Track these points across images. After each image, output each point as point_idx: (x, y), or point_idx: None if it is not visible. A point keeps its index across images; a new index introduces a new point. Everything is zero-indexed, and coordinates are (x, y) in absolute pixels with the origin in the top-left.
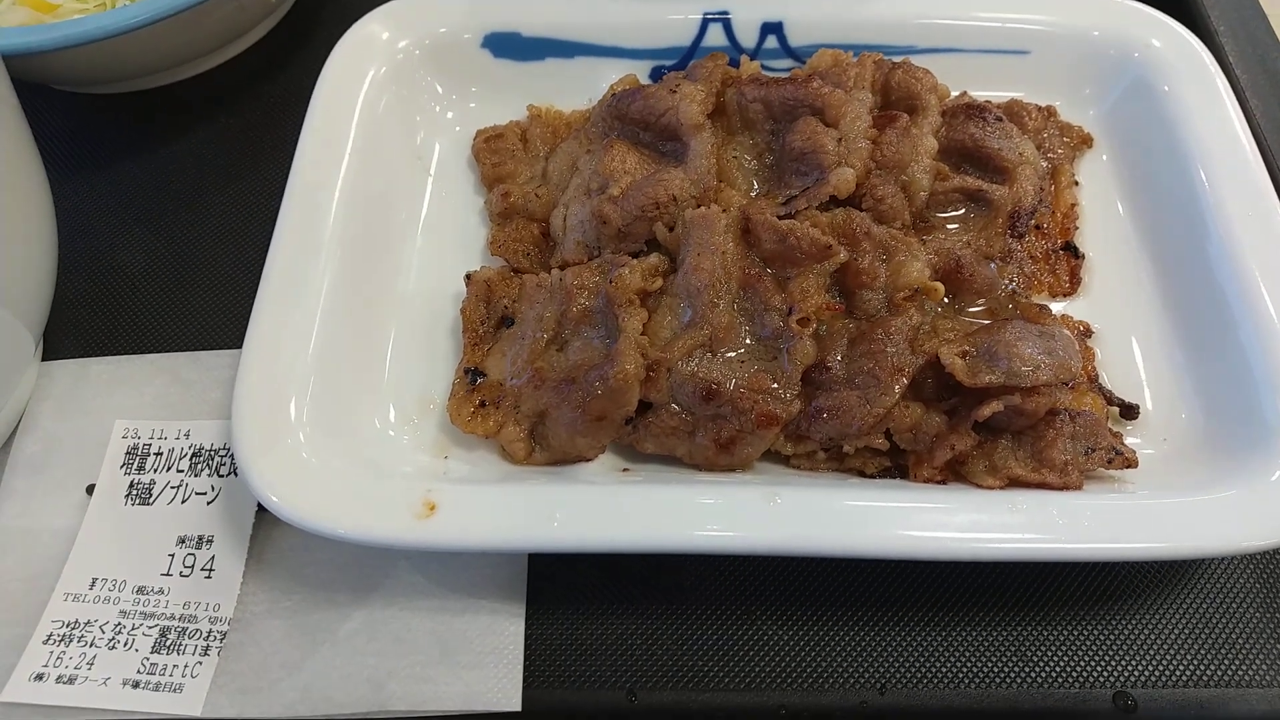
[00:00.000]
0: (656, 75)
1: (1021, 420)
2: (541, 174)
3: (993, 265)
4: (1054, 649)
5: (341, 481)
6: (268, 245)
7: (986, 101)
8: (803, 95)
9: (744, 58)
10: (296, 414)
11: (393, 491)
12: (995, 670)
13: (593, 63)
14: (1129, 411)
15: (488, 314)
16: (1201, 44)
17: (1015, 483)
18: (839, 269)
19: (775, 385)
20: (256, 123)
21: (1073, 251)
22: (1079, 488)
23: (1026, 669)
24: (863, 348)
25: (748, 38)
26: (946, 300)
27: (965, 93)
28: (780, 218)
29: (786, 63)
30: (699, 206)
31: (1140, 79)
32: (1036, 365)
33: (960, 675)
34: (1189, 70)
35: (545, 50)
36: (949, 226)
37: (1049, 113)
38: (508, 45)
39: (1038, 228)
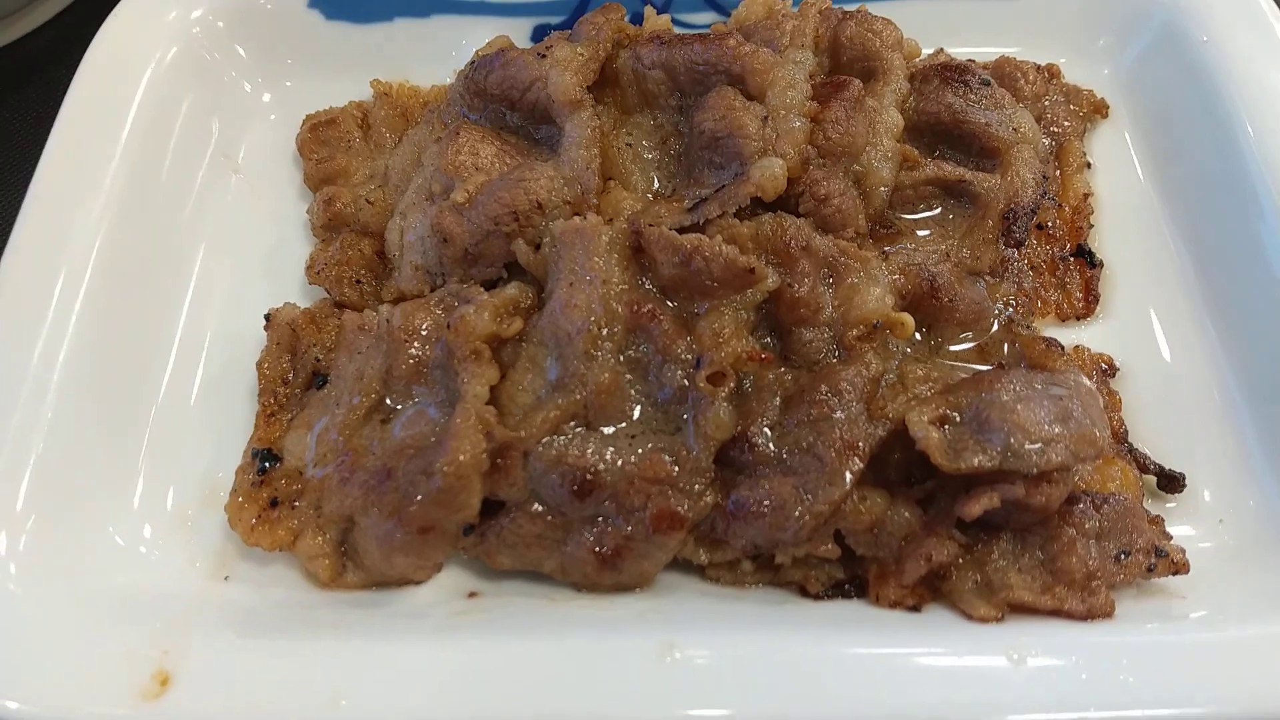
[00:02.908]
0: (539, 36)
1: (1027, 516)
2: (384, 172)
3: (981, 284)
4: None
5: (54, 643)
6: None
7: (969, 61)
8: (716, 57)
9: (649, 9)
10: (2, 540)
11: (116, 655)
12: None
13: (456, 22)
14: (1171, 483)
15: (293, 369)
16: None
17: (1020, 609)
18: (768, 299)
19: (677, 471)
20: (37, 119)
21: (1087, 258)
22: (1109, 614)
23: None
24: (801, 413)
25: None
26: (918, 336)
27: (941, 50)
28: (684, 229)
29: (708, 16)
30: (574, 215)
31: (1170, 26)
32: (1046, 440)
33: None
34: (1235, 13)
35: (393, 7)
36: (920, 233)
37: (1051, 73)
38: (343, 4)
39: (1040, 228)
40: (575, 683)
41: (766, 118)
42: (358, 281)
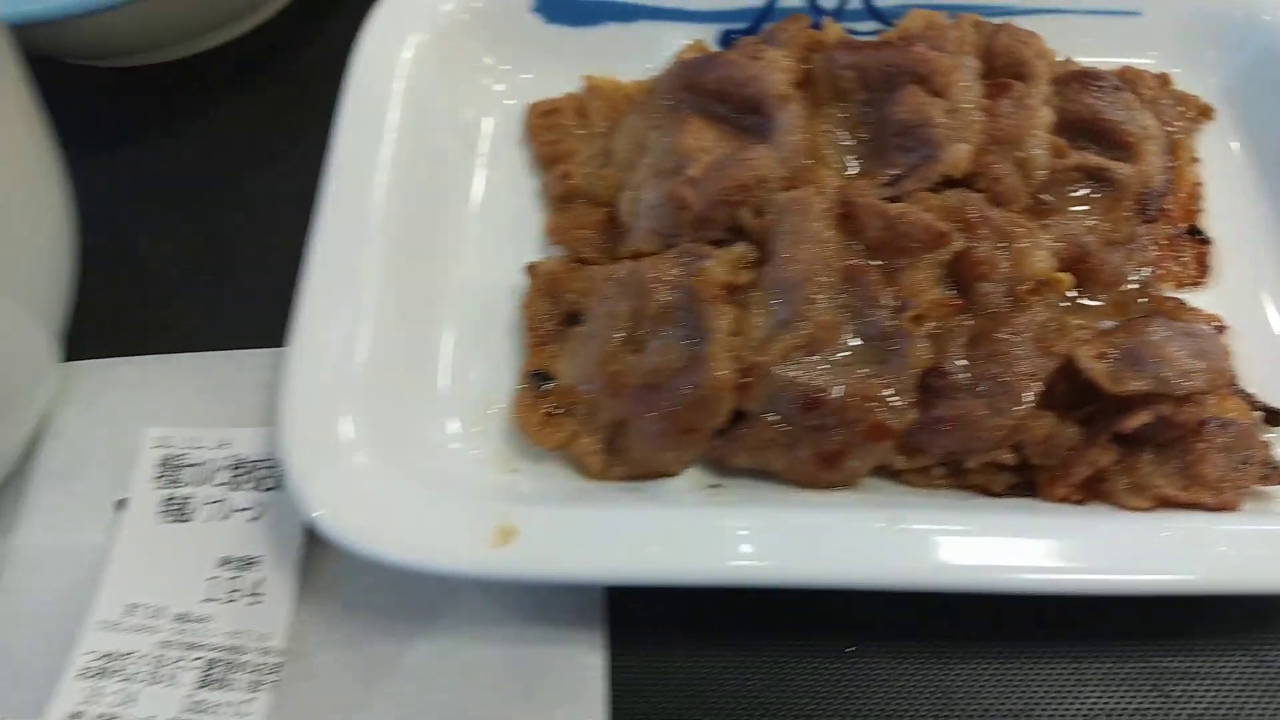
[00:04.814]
0: (725, 40)
1: (1169, 432)
2: (603, 152)
3: (1120, 252)
4: (1199, 681)
5: (405, 504)
6: (304, 232)
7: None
8: (904, 61)
9: (826, 20)
10: (350, 425)
11: (464, 515)
12: (1132, 705)
13: (655, 27)
14: (1275, 417)
15: (552, 310)
16: None
17: (1165, 503)
18: (952, 259)
19: (887, 392)
20: (286, 97)
21: (1199, 236)
22: (1236, 508)
23: (1167, 704)
24: (985, 349)
25: None
26: (1071, 294)
27: (1069, 59)
28: (886, 200)
29: (870, 25)
30: (790, 188)
31: (1269, 48)
32: (1189, 370)
33: (1094, 711)
34: None
35: (603, 14)
36: (1079, 208)
37: (1163, 81)
38: (562, 9)
39: (1160, 210)
40: (833, 542)
41: (951, 111)
42: (591, 243)
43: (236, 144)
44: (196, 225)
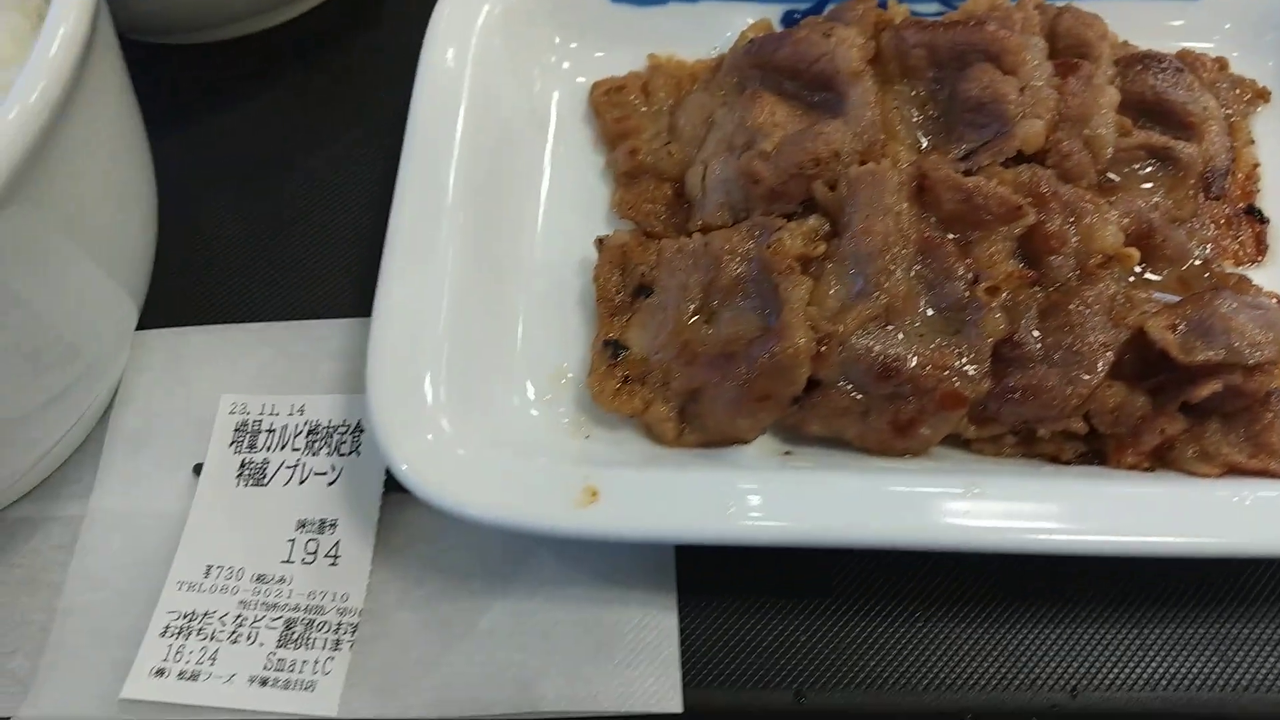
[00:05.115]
0: (788, 20)
1: (1237, 401)
2: (668, 129)
3: (1183, 229)
4: (1262, 647)
5: (490, 465)
6: (372, 205)
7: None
8: (976, 40)
9: (892, 1)
10: (434, 391)
11: (549, 476)
12: (1194, 671)
13: (718, 7)
14: None
15: (623, 282)
16: None
17: (1233, 470)
18: (1024, 233)
19: (961, 362)
20: (351, 72)
21: (1257, 215)
22: None
23: (1229, 670)
24: (1057, 320)
25: None
26: (1138, 269)
27: (1127, 43)
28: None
29: (933, 7)
30: (863, 163)
31: None
32: (1259, 341)
33: (1157, 676)
34: None
35: None
36: (1144, 186)
37: (1220, 65)
38: None
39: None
40: (911, 506)
41: (1023, 88)
42: (659, 217)
43: (300, 118)
44: (261, 198)
